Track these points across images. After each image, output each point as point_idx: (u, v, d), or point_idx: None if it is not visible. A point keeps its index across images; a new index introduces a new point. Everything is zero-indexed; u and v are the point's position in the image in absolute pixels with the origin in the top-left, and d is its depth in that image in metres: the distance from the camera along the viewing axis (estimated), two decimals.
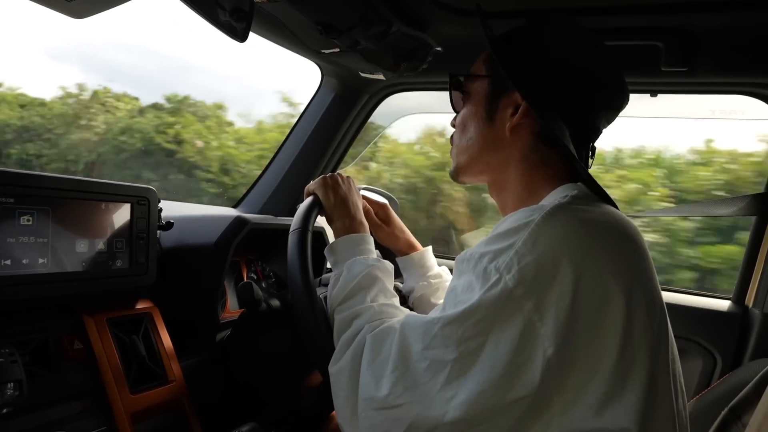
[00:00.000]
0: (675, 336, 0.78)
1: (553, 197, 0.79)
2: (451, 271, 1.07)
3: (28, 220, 0.83)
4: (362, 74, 1.46)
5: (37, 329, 0.86)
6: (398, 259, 1.18)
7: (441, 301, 0.78)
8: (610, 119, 0.87)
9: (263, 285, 1.43)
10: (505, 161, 0.86)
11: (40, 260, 0.85)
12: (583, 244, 0.69)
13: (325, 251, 0.96)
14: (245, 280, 1.39)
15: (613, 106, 0.85)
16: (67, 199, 0.89)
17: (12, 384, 0.76)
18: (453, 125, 0.97)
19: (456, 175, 0.96)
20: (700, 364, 1.45)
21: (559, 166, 0.84)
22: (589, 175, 0.79)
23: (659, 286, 0.77)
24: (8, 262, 0.80)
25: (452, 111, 0.98)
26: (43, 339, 0.86)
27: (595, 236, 0.71)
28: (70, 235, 0.90)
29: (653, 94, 1.34)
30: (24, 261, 0.83)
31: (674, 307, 1.44)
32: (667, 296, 1.51)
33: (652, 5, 1.07)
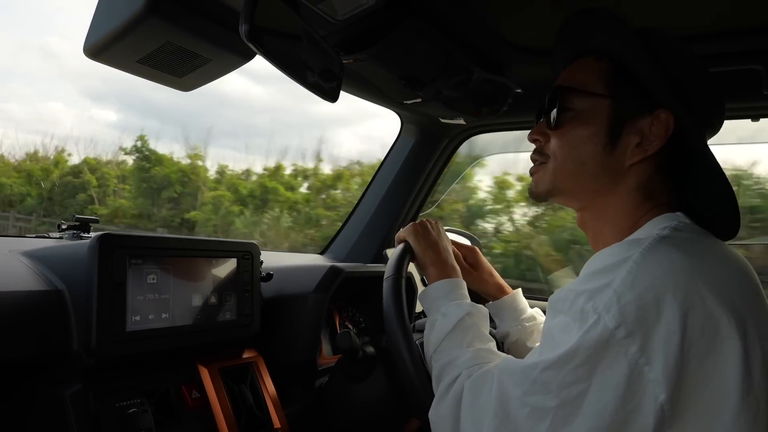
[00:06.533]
0: None
1: (650, 229, 0.74)
2: (543, 311, 1.04)
3: (153, 278, 0.92)
4: (442, 120, 1.49)
5: (159, 380, 0.93)
6: (489, 304, 1.14)
7: (537, 344, 0.76)
8: None
9: (354, 331, 1.46)
10: (614, 190, 0.79)
11: (163, 315, 0.93)
12: (687, 279, 0.63)
13: (419, 297, 0.97)
14: (337, 326, 1.42)
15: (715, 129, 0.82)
16: (184, 258, 0.97)
17: None
18: (534, 140, 0.86)
19: (547, 196, 0.85)
20: None
21: (667, 195, 0.79)
22: (734, 205, 0.74)
23: None
24: (138, 318, 0.88)
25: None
26: (166, 389, 0.93)
27: (701, 269, 0.65)
28: (187, 290, 0.97)
29: (754, 119, 1.26)
30: (150, 316, 0.90)
31: None
32: None
33: (748, 29, 1.02)
